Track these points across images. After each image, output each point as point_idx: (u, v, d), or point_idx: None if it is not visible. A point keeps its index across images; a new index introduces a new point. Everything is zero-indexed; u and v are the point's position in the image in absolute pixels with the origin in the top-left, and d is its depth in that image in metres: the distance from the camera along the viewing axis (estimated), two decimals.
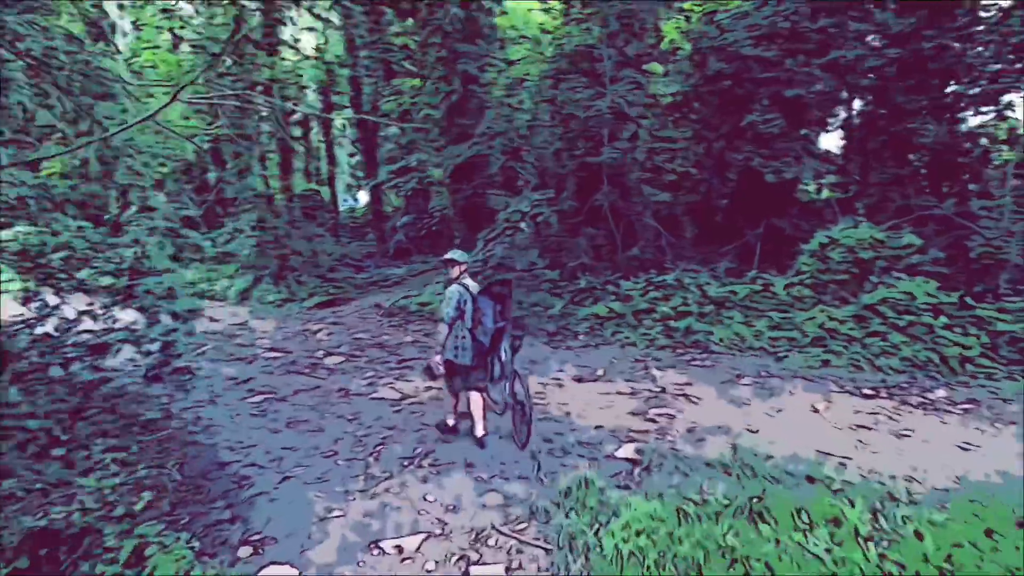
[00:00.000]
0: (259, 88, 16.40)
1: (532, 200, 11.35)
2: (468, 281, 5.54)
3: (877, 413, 6.10)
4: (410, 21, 13.98)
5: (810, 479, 4.50)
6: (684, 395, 6.91)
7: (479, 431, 5.52)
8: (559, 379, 7.77)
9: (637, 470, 4.94)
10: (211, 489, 4.84)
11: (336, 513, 4.40)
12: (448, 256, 5.64)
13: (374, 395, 7.38)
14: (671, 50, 12.19)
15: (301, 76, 17.63)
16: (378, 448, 5.63)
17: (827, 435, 5.58)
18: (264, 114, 18.51)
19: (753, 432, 5.70)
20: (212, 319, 12.61)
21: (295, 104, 20.67)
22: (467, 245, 14.61)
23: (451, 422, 5.78)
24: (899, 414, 6.07)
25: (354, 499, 4.61)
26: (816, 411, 6.25)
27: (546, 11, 14.70)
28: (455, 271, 5.53)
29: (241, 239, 14.33)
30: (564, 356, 8.87)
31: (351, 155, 22.62)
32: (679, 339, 9.04)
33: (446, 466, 5.17)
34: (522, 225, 12.02)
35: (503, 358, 5.54)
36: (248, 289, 14.01)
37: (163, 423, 6.54)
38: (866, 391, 6.77)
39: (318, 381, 8.10)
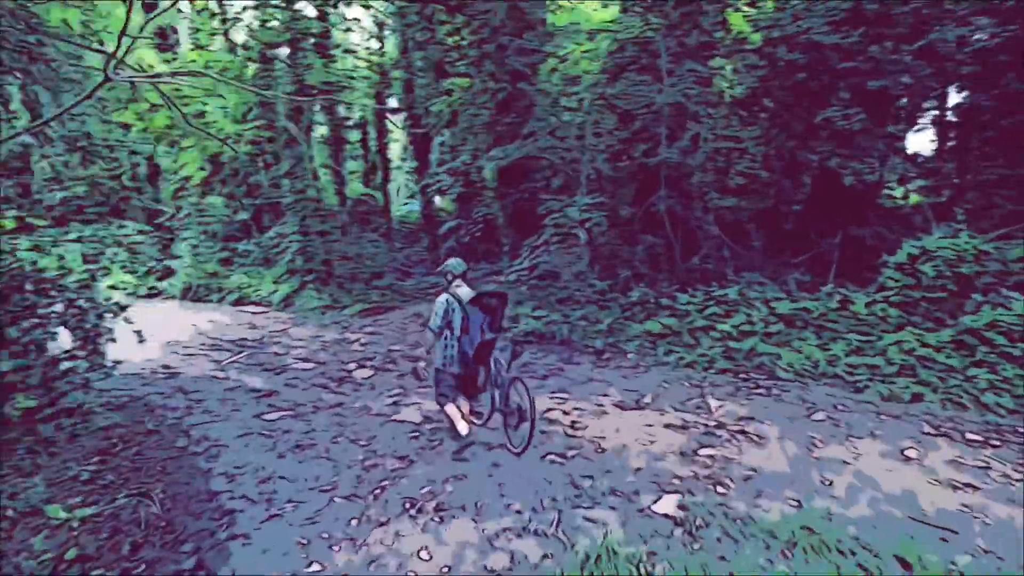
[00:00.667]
0: (314, 91, 16.32)
1: (582, 205, 10.55)
2: (460, 290, 5.53)
3: (987, 467, 4.98)
4: (460, 17, 13.43)
5: (903, 563, 3.54)
6: (743, 432, 5.95)
7: (463, 429, 5.49)
8: (601, 404, 6.95)
9: (679, 531, 4.09)
10: (186, 527, 4.32)
11: (313, 567, 3.78)
12: (441, 267, 5.74)
13: (395, 416, 6.79)
14: (738, 41, 11.13)
15: (355, 78, 17.46)
16: (382, 484, 5.00)
17: (922, 494, 4.55)
18: (319, 116, 18.55)
19: (826, 485, 4.73)
20: (253, 326, 12.46)
21: (349, 106, 20.65)
22: (516, 252, 13.97)
23: (463, 431, 5.53)
24: (1019, 469, 4.93)
25: (339, 550, 3.99)
26: (906, 459, 5.20)
27: (604, 5, 13.89)
28: (449, 280, 5.58)
29: (284, 244, 14.16)
30: (609, 376, 8.04)
31: (404, 159, 22.41)
32: (741, 362, 8.03)
33: (453, 510, 4.48)
34: (578, 232, 11.28)
35: (492, 368, 5.64)
36: (292, 295, 13.81)
37: (166, 439, 6.17)
38: (971, 436, 5.63)
39: (342, 397, 7.59)
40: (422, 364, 5.32)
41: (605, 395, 7.30)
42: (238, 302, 14.58)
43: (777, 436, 5.81)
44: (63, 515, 4.21)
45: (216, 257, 15.56)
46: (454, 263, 5.68)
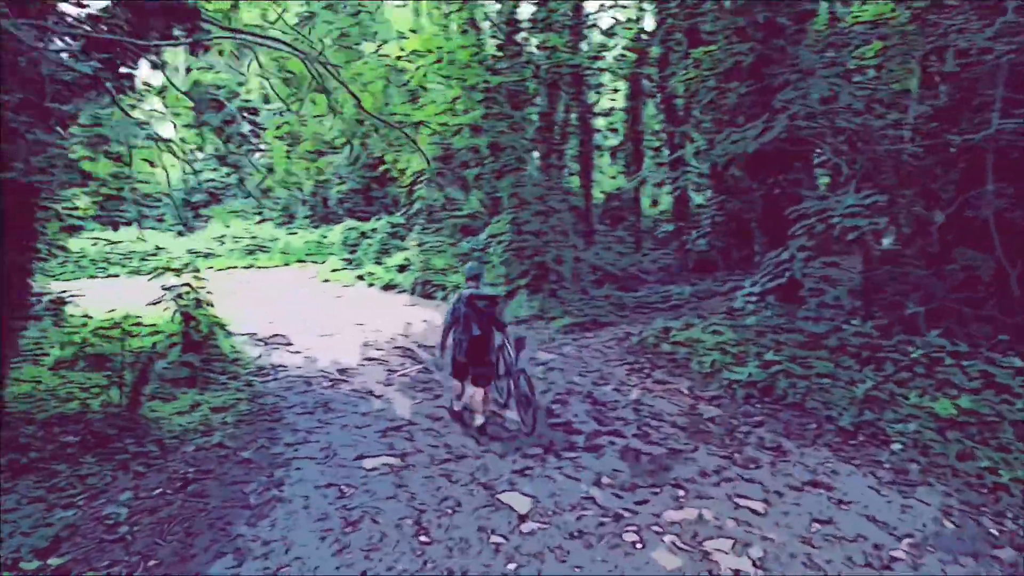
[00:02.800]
0: (561, 74, 15.28)
1: (849, 204, 7.41)
2: (469, 291, 6.43)
3: None
4: None
5: None
6: None
7: (478, 421, 6.51)
8: (833, 530, 4.35)
9: None
10: None
11: None
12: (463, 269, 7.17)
13: (513, 490, 5.17)
14: None
15: (604, 57, 15.98)
16: None
17: None
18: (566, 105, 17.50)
19: None
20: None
21: (598, 91, 19.19)
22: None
23: (456, 408, 7.00)
24: None
25: None
26: None
27: None
28: (467, 281, 6.67)
29: (494, 245, 13.37)
30: (853, 486, 5.17)
31: (656, 148, 20.12)
32: None
33: None
34: (883, 241, 8.20)
35: (508, 359, 6.93)
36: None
37: (247, 476, 5.52)
38: None
39: (469, 450, 6.21)
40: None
41: (824, 521, 4.60)
42: None
43: None
44: None
45: (448, 252, 15.61)
46: (469, 266, 6.89)
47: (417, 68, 11.64)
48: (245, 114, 26.93)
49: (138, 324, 9.91)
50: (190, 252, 22.36)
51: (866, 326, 7.01)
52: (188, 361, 8.53)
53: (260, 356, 10.58)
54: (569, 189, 18.06)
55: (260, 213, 27.08)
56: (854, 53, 9.10)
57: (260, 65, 8.76)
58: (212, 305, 9.63)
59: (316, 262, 22.77)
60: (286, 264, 23.57)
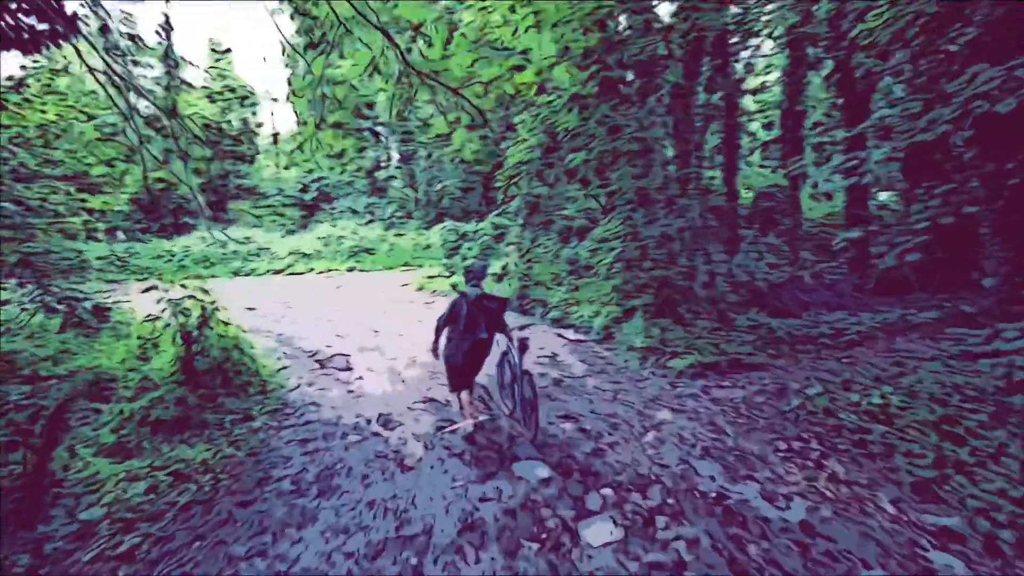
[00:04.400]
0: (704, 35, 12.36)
1: None
2: (473, 291, 6.10)
3: None
4: None
5: None
6: None
7: (467, 429, 6.32)
8: None
9: None
10: None
11: None
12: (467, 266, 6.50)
13: None
14: None
15: (757, 19, 12.65)
16: None
17: None
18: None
19: None
20: (553, 359, 9.34)
21: (749, 63, 15.79)
22: (1012, 290, 7.69)
23: (467, 427, 6.37)
24: None
25: None
26: None
27: None
28: (468, 279, 6.24)
29: (603, 251, 10.58)
30: None
31: (822, 132, 16.02)
32: None
33: None
34: None
35: (513, 365, 6.46)
36: (614, 324, 10.22)
37: None
38: None
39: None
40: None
41: None
42: (558, 322, 11.74)
43: None
44: None
45: (551, 258, 13.06)
46: (474, 264, 6.41)
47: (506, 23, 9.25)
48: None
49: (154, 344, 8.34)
50: (292, 253, 21.76)
51: None
52: (182, 397, 6.71)
53: (299, 386, 8.70)
54: (707, 185, 14.90)
55: (371, 213, 26.19)
56: None
57: None
58: (228, 323, 7.83)
59: (422, 266, 21.29)
60: (390, 268, 22.27)
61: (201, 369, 7.13)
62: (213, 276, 20.85)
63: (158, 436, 6.25)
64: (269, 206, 27.40)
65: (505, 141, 13.94)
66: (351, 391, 8.40)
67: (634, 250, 9.81)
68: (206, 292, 7.40)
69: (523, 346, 6.28)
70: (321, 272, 21.01)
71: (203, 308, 7.26)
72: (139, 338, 7.72)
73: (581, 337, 10.82)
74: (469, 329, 6.01)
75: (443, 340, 6.22)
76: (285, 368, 9.68)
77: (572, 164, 10.61)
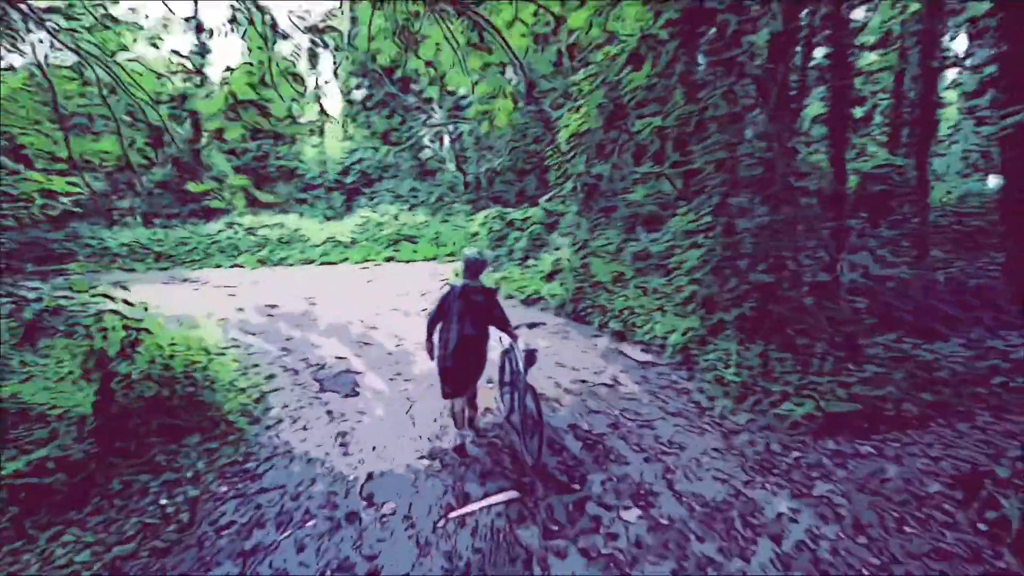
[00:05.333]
0: None
1: None
2: (465, 281, 5.51)
3: None
4: None
5: None
6: None
7: (458, 439, 5.73)
8: None
9: None
10: None
11: None
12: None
13: None
14: None
15: None
16: None
17: None
18: None
19: None
20: (614, 387, 7.09)
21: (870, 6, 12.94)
22: None
23: (457, 440, 5.80)
24: None
25: None
26: None
27: None
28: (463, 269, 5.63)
29: (683, 250, 8.13)
30: None
31: (969, 96, 12.89)
32: None
33: None
34: None
35: (514, 363, 5.83)
36: (692, 343, 7.83)
37: None
38: None
39: None
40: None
41: None
42: (621, 336, 9.41)
43: None
44: None
45: (611, 256, 10.70)
46: (470, 255, 5.62)
47: None
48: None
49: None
50: (327, 241, 20.07)
51: None
52: (82, 458, 4.78)
53: (279, 421, 6.75)
54: (805, 167, 12.18)
55: (415, 197, 24.26)
56: None
57: None
58: (175, 344, 5.91)
59: None
60: (433, 258, 20.24)
61: (125, 409, 5.23)
62: (237, 266, 19.41)
63: (41, 515, 4.38)
64: (307, 188, 25.94)
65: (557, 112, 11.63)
66: (341, 434, 6.37)
67: (726, 248, 7.38)
68: (131, 305, 5.48)
69: (530, 359, 5.52)
70: (357, 262, 19.26)
71: (126, 328, 5.32)
72: (59, 362, 5.87)
73: (650, 358, 8.49)
74: (458, 326, 5.43)
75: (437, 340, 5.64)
76: (275, 391, 7.78)
77: (641, 136, 8.20)
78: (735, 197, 7.85)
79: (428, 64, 8.52)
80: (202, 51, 25.88)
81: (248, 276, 18.06)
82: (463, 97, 24.32)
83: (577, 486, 5.09)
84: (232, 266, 19.50)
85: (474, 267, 5.57)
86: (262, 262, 19.45)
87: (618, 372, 8.09)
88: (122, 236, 20.09)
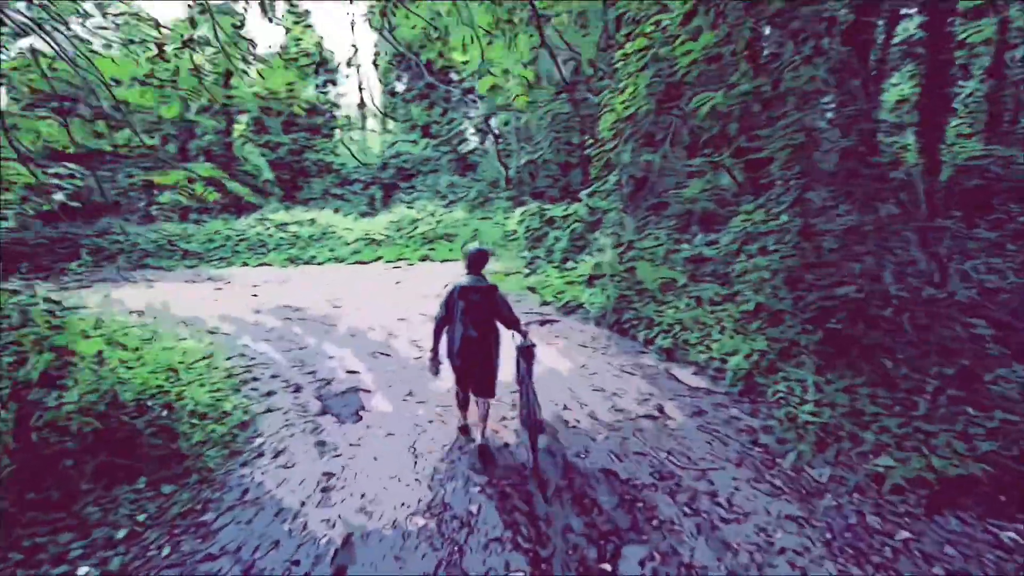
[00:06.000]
0: None
1: None
2: (469, 279, 5.22)
3: None
4: None
5: None
6: None
7: (478, 438, 5.46)
8: None
9: None
10: None
11: None
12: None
13: None
14: None
15: None
16: None
17: None
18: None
19: None
20: (658, 418, 5.82)
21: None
22: None
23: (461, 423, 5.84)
24: None
25: None
26: None
27: None
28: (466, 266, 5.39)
29: (748, 256, 6.74)
30: None
31: None
32: None
33: None
34: None
35: (521, 367, 5.39)
36: (758, 370, 6.47)
37: None
38: None
39: None
40: (430, 355, 5.27)
41: None
42: (669, 353, 8.07)
43: None
44: None
45: (659, 260, 9.34)
46: (471, 249, 5.35)
47: None
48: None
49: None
50: (360, 239, 19.24)
51: None
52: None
53: (260, 455, 5.73)
54: (892, 159, 10.58)
55: (454, 192, 23.23)
56: None
57: None
58: (143, 363, 4.94)
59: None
60: None
61: (52, 449, 4.27)
62: (265, 264, 18.74)
63: None
64: (344, 183, 25.24)
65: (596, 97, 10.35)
66: (327, 475, 5.30)
67: (802, 254, 5.99)
68: (53, 314, 4.52)
69: (527, 354, 5.30)
70: (390, 261, 18.36)
71: (54, 349, 4.36)
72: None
73: (705, 384, 7.15)
74: (461, 327, 5.19)
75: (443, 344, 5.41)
76: (268, 413, 6.81)
77: (699, 117, 6.86)
78: (813, 191, 6.45)
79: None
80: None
81: (274, 275, 17.39)
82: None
83: (607, 567, 3.90)
84: (259, 264, 18.87)
85: (475, 261, 5.30)
86: (291, 260, 18.78)
87: (666, 400, 6.79)
88: (150, 233, 19.73)
